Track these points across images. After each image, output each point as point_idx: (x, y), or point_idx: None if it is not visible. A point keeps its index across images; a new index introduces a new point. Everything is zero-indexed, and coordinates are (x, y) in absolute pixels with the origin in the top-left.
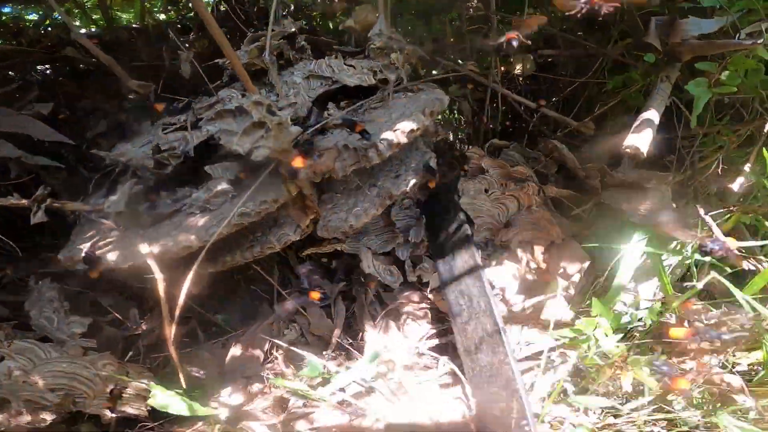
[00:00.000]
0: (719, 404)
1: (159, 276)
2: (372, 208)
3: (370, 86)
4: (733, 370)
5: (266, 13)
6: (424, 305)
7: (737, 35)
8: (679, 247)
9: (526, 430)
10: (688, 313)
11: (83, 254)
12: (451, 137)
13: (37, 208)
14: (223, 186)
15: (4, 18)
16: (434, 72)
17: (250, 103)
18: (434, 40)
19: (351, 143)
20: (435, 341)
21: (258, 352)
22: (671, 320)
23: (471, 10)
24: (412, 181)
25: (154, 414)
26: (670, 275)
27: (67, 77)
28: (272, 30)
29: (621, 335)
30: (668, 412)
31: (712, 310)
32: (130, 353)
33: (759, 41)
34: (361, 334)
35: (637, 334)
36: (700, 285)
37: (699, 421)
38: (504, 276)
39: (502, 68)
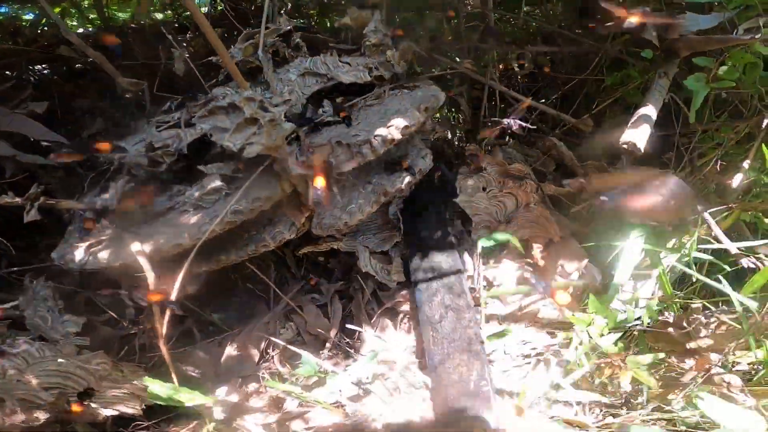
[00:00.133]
0: None
1: (150, 275)
2: (367, 205)
3: (366, 83)
4: (733, 369)
5: (263, 11)
6: None
7: (735, 31)
8: (678, 244)
9: (485, 390)
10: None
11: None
12: (449, 135)
13: (30, 207)
14: (216, 183)
15: (0, 18)
16: (433, 70)
17: (242, 99)
18: (431, 37)
19: (345, 139)
20: None
21: (254, 351)
22: (670, 319)
23: (469, 7)
24: (408, 179)
25: (150, 413)
26: (669, 273)
27: (64, 76)
28: (267, 27)
29: (619, 334)
30: (667, 411)
31: (710, 309)
32: (124, 350)
33: (757, 36)
34: (357, 333)
35: (636, 333)
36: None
37: (699, 420)
38: (502, 274)
39: (501, 66)
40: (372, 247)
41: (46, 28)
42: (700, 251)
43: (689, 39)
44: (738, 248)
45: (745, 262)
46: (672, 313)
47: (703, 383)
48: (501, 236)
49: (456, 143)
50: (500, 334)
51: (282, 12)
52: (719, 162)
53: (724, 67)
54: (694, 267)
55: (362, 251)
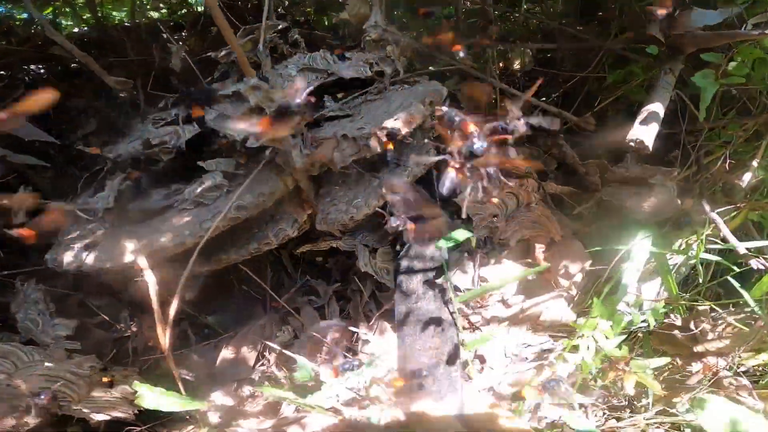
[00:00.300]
0: None
1: (150, 276)
2: (374, 200)
3: (366, 78)
4: (740, 372)
5: (261, 9)
6: None
7: (744, 26)
8: (684, 246)
9: (454, 376)
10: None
11: None
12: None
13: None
14: (217, 179)
15: None
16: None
17: (247, 87)
18: (431, 34)
19: (350, 133)
20: None
21: (250, 354)
22: (676, 321)
23: (468, 3)
24: (414, 173)
25: (144, 416)
26: (675, 275)
27: (58, 76)
28: (266, 23)
29: (623, 337)
30: (672, 415)
31: (717, 311)
32: (113, 353)
33: (766, 31)
34: (355, 335)
35: (641, 335)
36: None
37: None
38: (502, 274)
39: (501, 63)
40: (372, 244)
41: (39, 28)
42: (706, 252)
43: (696, 34)
44: (746, 249)
45: (755, 264)
46: (678, 316)
47: (710, 386)
48: (460, 235)
49: None
50: (482, 340)
51: (279, 11)
52: (727, 160)
53: (733, 63)
54: (701, 268)
55: (362, 250)
